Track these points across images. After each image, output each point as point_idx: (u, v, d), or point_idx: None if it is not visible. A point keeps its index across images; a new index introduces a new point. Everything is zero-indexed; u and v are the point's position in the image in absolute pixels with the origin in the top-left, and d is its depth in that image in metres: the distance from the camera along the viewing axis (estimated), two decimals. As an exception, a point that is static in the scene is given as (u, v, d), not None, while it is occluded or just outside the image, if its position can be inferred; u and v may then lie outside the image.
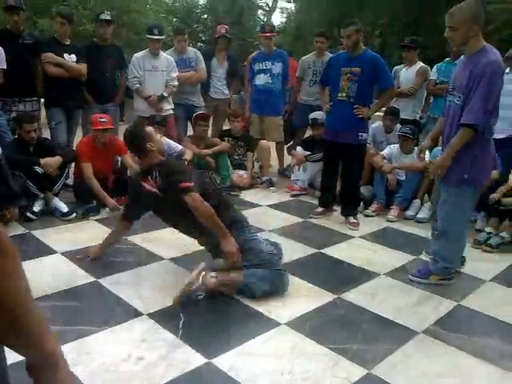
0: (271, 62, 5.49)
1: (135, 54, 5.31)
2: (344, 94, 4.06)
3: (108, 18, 5.01)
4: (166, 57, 5.27)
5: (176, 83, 5.25)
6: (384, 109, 4.94)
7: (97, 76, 4.91)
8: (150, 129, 3.06)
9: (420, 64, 5.35)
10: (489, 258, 3.58)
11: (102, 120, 4.29)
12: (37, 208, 3.95)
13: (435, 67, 5.28)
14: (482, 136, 2.83)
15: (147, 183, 2.81)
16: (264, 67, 5.50)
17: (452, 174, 2.90)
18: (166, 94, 5.14)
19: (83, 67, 4.76)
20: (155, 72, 5.14)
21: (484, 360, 2.26)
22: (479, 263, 3.41)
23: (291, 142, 6.13)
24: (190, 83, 5.55)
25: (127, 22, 11.36)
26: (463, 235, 3.12)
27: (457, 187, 2.92)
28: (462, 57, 3.06)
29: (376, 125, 5.16)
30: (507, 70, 4.74)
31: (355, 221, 4.19)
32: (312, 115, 5.28)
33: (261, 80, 5.52)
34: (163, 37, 5.25)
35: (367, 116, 4.17)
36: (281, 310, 2.61)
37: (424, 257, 3.47)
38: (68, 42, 4.80)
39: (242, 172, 5.39)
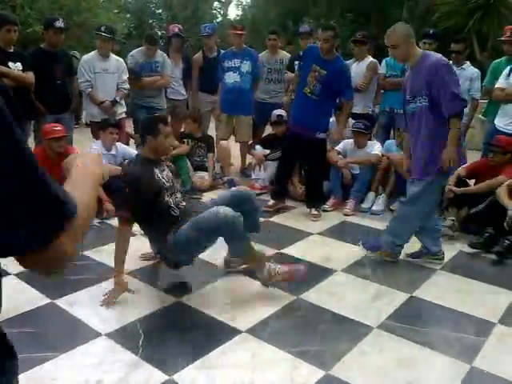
0: (240, 60, 5.43)
1: (84, 56, 5.20)
2: (308, 90, 4.21)
3: (62, 25, 4.78)
4: (117, 58, 5.21)
5: (127, 86, 5.21)
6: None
7: (47, 84, 4.70)
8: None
9: (370, 59, 5.44)
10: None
11: (56, 128, 4.18)
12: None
13: (384, 61, 5.38)
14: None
15: None
16: (233, 65, 5.45)
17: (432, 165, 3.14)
18: (118, 99, 5.09)
19: (30, 75, 4.51)
20: (106, 74, 5.06)
21: (434, 350, 2.38)
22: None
23: (250, 141, 6.15)
24: (153, 88, 5.51)
25: (78, 21, 11.04)
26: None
27: (434, 178, 3.18)
28: (408, 70, 3.34)
29: (330, 121, 5.24)
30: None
31: (317, 212, 4.39)
32: (277, 112, 5.29)
33: (230, 78, 5.45)
34: (111, 36, 5.10)
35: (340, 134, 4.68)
36: (242, 316, 2.64)
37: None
38: (12, 50, 4.50)
39: (203, 173, 5.33)
